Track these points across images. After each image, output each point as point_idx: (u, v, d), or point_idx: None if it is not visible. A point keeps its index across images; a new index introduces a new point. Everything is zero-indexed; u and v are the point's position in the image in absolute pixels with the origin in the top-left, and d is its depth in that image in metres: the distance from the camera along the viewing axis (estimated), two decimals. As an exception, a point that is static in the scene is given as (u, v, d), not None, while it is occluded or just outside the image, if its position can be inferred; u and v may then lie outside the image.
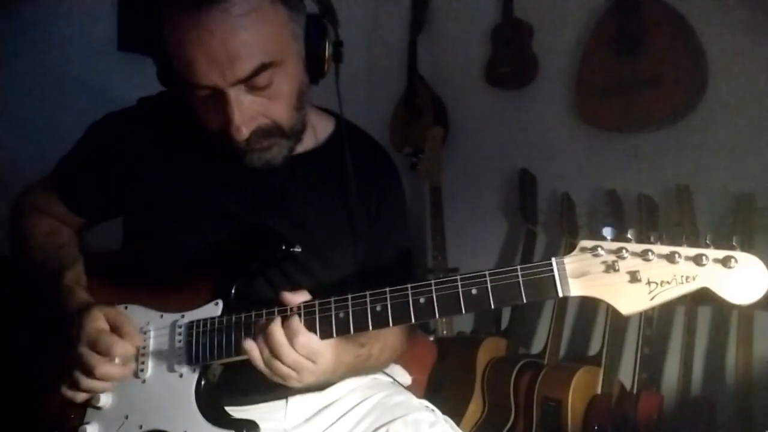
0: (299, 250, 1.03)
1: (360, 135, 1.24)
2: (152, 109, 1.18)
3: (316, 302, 0.94)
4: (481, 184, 2.70)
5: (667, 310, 2.06)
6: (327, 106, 1.22)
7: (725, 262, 0.77)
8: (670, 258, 0.78)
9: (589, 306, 2.27)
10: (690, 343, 1.95)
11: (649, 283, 0.79)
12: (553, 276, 0.83)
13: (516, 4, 2.53)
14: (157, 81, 1.06)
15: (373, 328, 0.91)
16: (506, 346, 2.30)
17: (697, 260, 0.77)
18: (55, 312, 1.06)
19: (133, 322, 1.03)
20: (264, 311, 0.96)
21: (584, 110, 2.30)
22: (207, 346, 0.98)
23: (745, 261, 0.76)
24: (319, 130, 1.18)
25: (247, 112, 0.98)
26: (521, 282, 0.84)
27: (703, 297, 0.78)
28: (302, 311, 0.93)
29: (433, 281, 0.89)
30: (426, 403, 1.13)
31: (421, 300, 0.88)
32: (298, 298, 0.95)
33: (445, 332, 2.42)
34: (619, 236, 0.82)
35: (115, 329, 1.00)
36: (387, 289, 0.91)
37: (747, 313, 1.87)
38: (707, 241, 0.79)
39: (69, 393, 1.01)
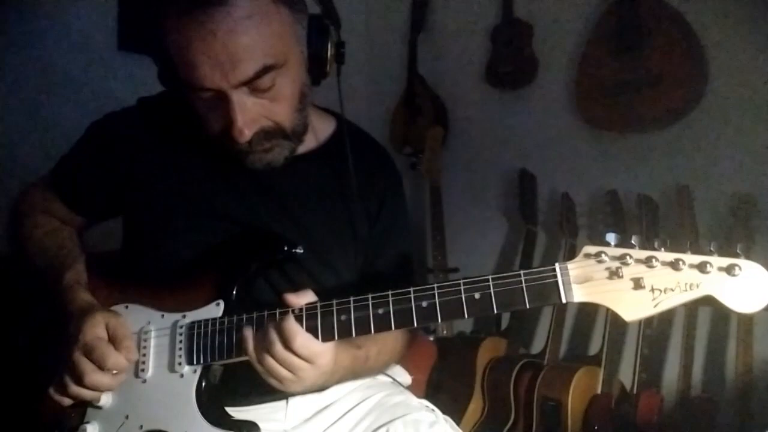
0: (301, 251, 1.03)
1: (361, 135, 1.24)
2: (152, 109, 1.18)
3: (318, 304, 0.93)
4: (481, 184, 2.70)
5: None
6: (327, 105, 1.22)
7: (729, 270, 0.76)
8: (674, 265, 0.78)
9: (589, 306, 2.27)
10: (690, 343, 1.95)
11: (652, 290, 0.78)
12: (557, 282, 0.83)
13: (516, 4, 2.53)
14: (158, 81, 1.06)
15: (375, 332, 0.91)
16: (506, 346, 2.30)
17: (701, 268, 0.77)
18: (55, 311, 1.06)
19: (130, 324, 1.02)
20: (266, 312, 0.96)
21: (584, 110, 2.30)
22: (208, 346, 0.98)
23: (750, 269, 0.76)
24: (319, 130, 1.18)
25: (250, 114, 0.97)
26: (524, 287, 0.84)
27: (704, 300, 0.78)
28: (304, 313, 0.93)
29: (435, 285, 0.88)
30: (426, 403, 1.13)
31: (424, 304, 0.88)
32: (302, 299, 0.95)
33: (445, 332, 2.42)
34: (622, 242, 0.82)
35: (114, 340, 0.99)
36: (389, 293, 0.90)
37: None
38: (711, 249, 0.78)
39: (56, 396, 1.01)
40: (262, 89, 0.97)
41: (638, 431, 1.89)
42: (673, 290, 0.78)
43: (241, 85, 0.95)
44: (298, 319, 0.92)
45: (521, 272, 0.84)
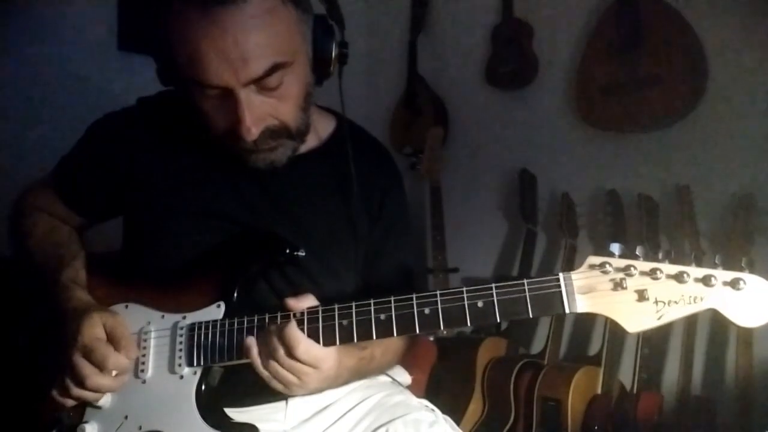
0: (303, 253, 1.03)
1: (362, 134, 1.24)
2: (152, 109, 1.17)
3: (319, 309, 0.93)
4: (481, 184, 2.70)
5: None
6: (327, 105, 1.22)
7: (734, 284, 0.76)
8: (679, 278, 0.78)
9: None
10: (690, 343, 1.95)
11: (656, 302, 0.79)
12: (561, 292, 0.83)
13: (516, 4, 2.53)
14: (157, 81, 1.06)
15: (377, 338, 0.91)
16: (506, 346, 2.30)
17: (706, 281, 0.77)
18: (53, 310, 1.06)
19: (129, 324, 1.02)
20: (267, 316, 0.95)
21: (584, 110, 2.30)
22: (209, 348, 0.98)
23: (754, 284, 0.76)
24: (320, 129, 1.18)
25: (257, 113, 0.97)
26: (528, 297, 0.84)
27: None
28: (305, 317, 0.93)
29: (438, 292, 0.88)
30: (426, 402, 1.12)
31: (426, 311, 0.88)
32: (303, 303, 0.95)
33: (445, 332, 2.41)
34: (626, 253, 0.82)
35: (112, 340, 0.99)
36: (392, 299, 0.90)
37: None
38: (716, 261, 0.79)
39: (58, 398, 1.01)
40: (269, 88, 0.97)
41: (638, 431, 1.89)
42: (677, 303, 0.78)
43: (251, 82, 0.94)
44: (299, 323, 0.92)
45: (525, 281, 0.84)
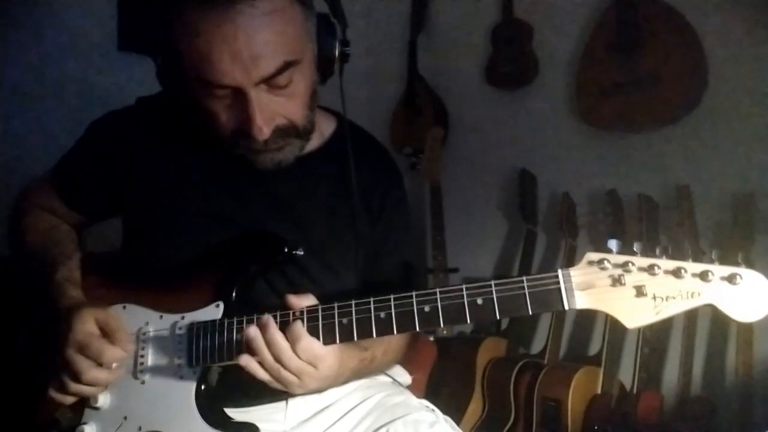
0: (302, 253, 1.03)
1: (362, 135, 1.24)
2: (152, 109, 1.17)
3: (319, 307, 0.93)
4: (481, 184, 2.70)
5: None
6: (326, 105, 1.22)
7: (731, 279, 0.77)
8: (676, 273, 0.79)
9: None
10: (690, 343, 1.95)
11: (654, 297, 0.79)
12: (559, 288, 0.83)
13: (516, 4, 2.53)
14: (157, 81, 1.06)
15: (377, 335, 0.90)
16: (506, 346, 2.30)
17: (703, 276, 0.78)
18: (47, 309, 1.06)
19: (125, 325, 1.02)
20: (266, 315, 0.95)
21: (584, 110, 2.30)
22: (208, 348, 0.97)
23: (751, 278, 0.77)
24: (321, 129, 1.18)
25: (267, 112, 0.97)
26: (527, 293, 0.84)
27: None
28: (305, 316, 0.93)
29: (438, 290, 0.88)
30: (426, 403, 1.12)
31: (426, 309, 0.88)
32: (303, 301, 0.95)
33: (445, 332, 2.42)
34: (624, 249, 0.83)
35: (106, 333, 0.99)
36: (391, 297, 0.90)
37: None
38: (713, 257, 0.79)
39: (56, 395, 1.01)
40: (279, 86, 0.97)
41: (638, 431, 1.89)
42: (674, 298, 0.79)
43: (261, 82, 0.94)
44: (300, 321, 0.92)
45: (524, 278, 0.84)
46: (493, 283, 0.86)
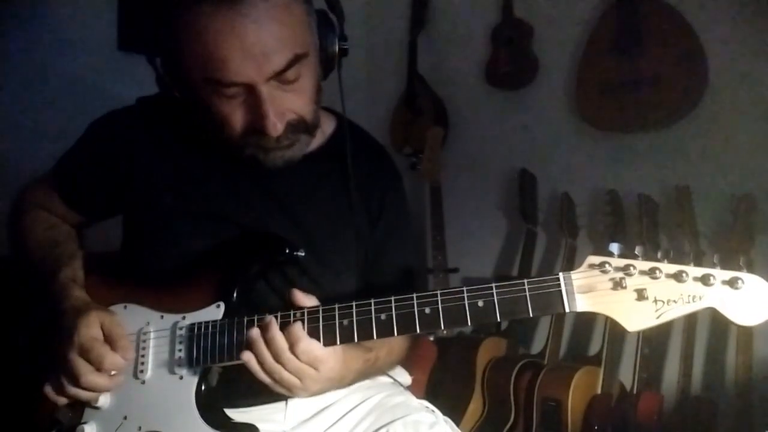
0: (303, 254, 1.03)
1: (361, 134, 1.24)
2: (152, 109, 1.17)
3: (320, 308, 0.93)
4: (481, 184, 2.70)
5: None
6: (325, 103, 1.22)
7: (732, 283, 0.78)
8: (678, 277, 0.79)
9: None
10: (690, 343, 1.95)
11: (655, 301, 0.80)
12: (560, 291, 0.83)
13: (516, 4, 2.53)
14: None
15: (377, 337, 0.91)
16: (506, 346, 2.30)
17: (705, 280, 0.78)
18: (50, 309, 1.06)
19: (126, 325, 1.02)
20: (266, 316, 0.95)
21: (584, 110, 2.30)
22: (208, 348, 0.98)
23: (752, 283, 0.77)
24: (323, 128, 1.18)
25: (279, 108, 0.97)
26: (528, 296, 0.84)
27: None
28: (306, 317, 0.93)
29: (438, 291, 0.88)
30: (426, 403, 1.12)
31: (427, 310, 0.88)
32: (308, 301, 0.95)
33: (445, 332, 2.41)
34: (626, 252, 0.83)
35: (109, 339, 0.99)
36: (392, 298, 0.90)
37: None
38: (714, 261, 0.80)
39: (51, 395, 1.01)
40: (289, 81, 0.97)
41: (638, 431, 1.89)
42: (676, 302, 0.79)
43: (274, 76, 0.94)
44: (300, 322, 0.91)
45: (525, 281, 0.85)
46: (494, 285, 0.86)
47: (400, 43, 2.88)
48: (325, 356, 0.92)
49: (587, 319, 2.32)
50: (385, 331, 0.90)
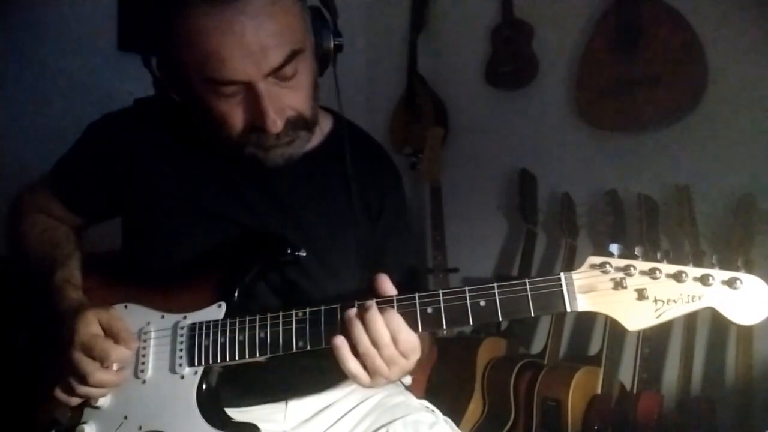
0: (304, 254, 1.03)
1: (359, 133, 1.24)
2: (150, 110, 1.17)
3: (322, 309, 0.93)
4: (481, 184, 2.70)
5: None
6: (322, 101, 1.22)
7: (731, 283, 0.79)
8: (677, 277, 0.80)
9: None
10: (690, 343, 1.95)
11: (655, 301, 0.81)
12: (562, 291, 0.84)
13: (516, 4, 2.53)
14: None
15: None
16: (506, 346, 2.30)
17: (704, 280, 0.79)
18: (47, 311, 1.06)
19: (129, 324, 1.02)
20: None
21: (584, 110, 2.30)
22: (209, 348, 0.98)
23: (751, 283, 0.79)
24: (321, 126, 1.18)
25: (278, 104, 0.97)
26: (529, 296, 0.85)
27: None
28: (307, 315, 0.92)
29: (440, 291, 0.89)
30: (426, 403, 1.12)
31: (429, 310, 0.89)
32: (392, 289, 0.92)
33: (445, 332, 2.42)
34: (626, 252, 0.84)
35: (110, 334, 0.99)
36: (394, 296, 0.90)
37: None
38: (713, 261, 0.81)
39: (62, 397, 1.00)
40: (287, 77, 0.97)
41: (638, 431, 1.90)
42: (675, 302, 0.80)
43: (272, 72, 0.95)
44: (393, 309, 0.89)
45: (526, 280, 0.85)
46: (495, 285, 0.86)
47: (400, 43, 2.88)
48: (418, 346, 0.90)
49: (587, 319, 2.32)
50: None
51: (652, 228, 2.04)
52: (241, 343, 0.95)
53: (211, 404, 0.98)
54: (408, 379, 1.25)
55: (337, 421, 1.09)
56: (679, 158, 2.14)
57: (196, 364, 0.98)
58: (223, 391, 1.01)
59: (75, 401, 1.01)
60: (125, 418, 1.00)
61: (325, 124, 1.19)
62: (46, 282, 1.09)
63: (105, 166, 1.14)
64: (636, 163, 2.24)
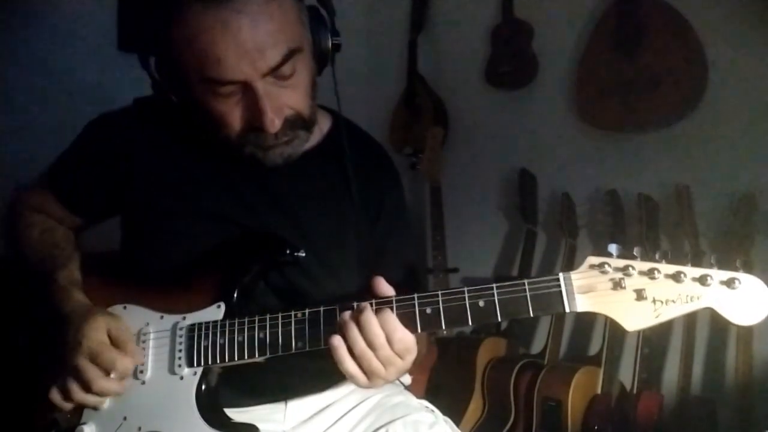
0: (304, 254, 1.03)
1: (358, 132, 1.24)
2: (149, 109, 1.17)
3: (321, 309, 0.93)
4: (481, 184, 2.70)
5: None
6: (321, 101, 1.22)
7: (729, 283, 0.79)
8: (676, 277, 0.80)
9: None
10: (690, 343, 1.95)
11: (654, 301, 0.81)
12: (561, 291, 0.84)
13: (516, 4, 2.53)
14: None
15: None
16: (506, 346, 2.31)
17: (702, 281, 0.79)
18: (49, 312, 1.06)
19: (133, 336, 1.02)
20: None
21: (584, 110, 2.30)
22: (209, 349, 0.98)
23: (749, 283, 0.79)
24: (320, 125, 1.18)
25: (276, 104, 0.98)
26: (528, 296, 0.85)
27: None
28: (308, 315, 0.92)
29: (440, 292, 0.89)
30: (426, 403, 1.12)
31: (428, 310, 0.89)
32: (390, 290, 0.92)
33: (445, 332, 2.42)
34: (625, 253, 0.84)
35: (117, 344, 0.99)
36: (393, 297, 0.90)
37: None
38: (712, 261, 0.81)
39: (57, 400, 1.00)
40: (284, 76, 0.97)
41: (638, 431, 1.90)
42: (674, 302, 0.80)
43: (270, 71, 0.95)
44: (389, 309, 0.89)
45: (525, 281, 0.86)
46: (494, 285, 0.86)
47: (400, 44, 2.88)
48: (414, 347, 0.90)
49: (587, 319, 2.32)
50: None
51: (651, 228, 2.04)
52: (240, 344, 0.95)
53: (210, 405, 0.98)
54: (407, 379, 1.25)
55: (336, 421, 1.09)
56: (679, 158, 2.14)
57: (195, 364, 0.98)
58: (223, 391, 1.01)
59: (69, 407, 1.01)
60: (125, 419, 1.00)
61: (324, 124, 1.19)
62: (46, 282, 1.09)
63: (104, 165, 1.14)
64: (636, 163, 2.24)
